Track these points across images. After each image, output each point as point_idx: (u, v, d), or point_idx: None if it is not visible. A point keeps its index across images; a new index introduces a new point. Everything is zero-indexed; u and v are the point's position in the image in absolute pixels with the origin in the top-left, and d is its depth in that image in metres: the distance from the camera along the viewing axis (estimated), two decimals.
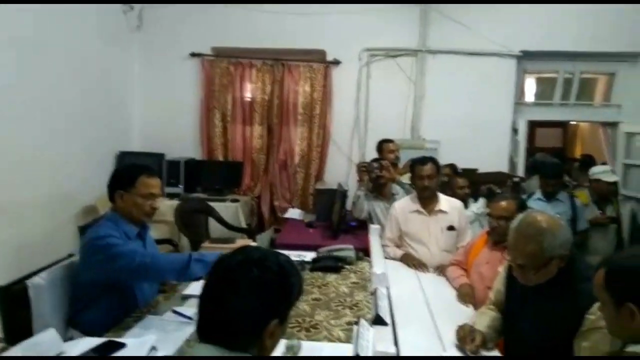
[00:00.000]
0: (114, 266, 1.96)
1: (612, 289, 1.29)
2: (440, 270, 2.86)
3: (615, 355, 1.37)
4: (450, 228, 3.06)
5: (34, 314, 1.93)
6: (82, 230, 3.25)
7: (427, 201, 3.12)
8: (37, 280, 1.98)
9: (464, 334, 1.85)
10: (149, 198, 2.15)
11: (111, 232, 2.04)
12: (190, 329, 1.88)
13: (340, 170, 5.24)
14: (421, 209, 3.11)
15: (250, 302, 1.03)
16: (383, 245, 3.14)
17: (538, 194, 3.82)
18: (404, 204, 3.21)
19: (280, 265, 1.09)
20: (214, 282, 1.08)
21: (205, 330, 1.06)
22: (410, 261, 2.98)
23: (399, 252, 3.10)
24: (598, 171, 3.99)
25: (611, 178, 3.90)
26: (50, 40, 3.81)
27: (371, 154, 4.50)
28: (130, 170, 2.20)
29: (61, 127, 4.00)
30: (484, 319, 2.00)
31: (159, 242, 3.07)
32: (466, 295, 2.45)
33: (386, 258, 2.96)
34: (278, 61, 5.19)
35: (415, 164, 3.16)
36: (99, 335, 1.79)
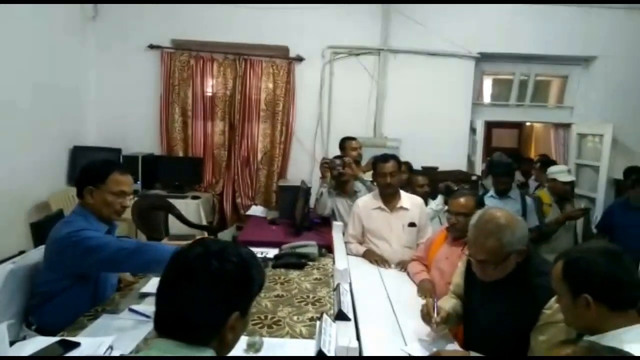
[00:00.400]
0: (95, 258, 1.90)
1: (570, 280, 1.34)
2: (402, 266, 2.90)
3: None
4: (412, 225, 3.11)
5: None
6: (34, 227, 3.11)
7: (389, 198, 3.16)
8: None
9: (428, 310, 1.91)
10: (119, 196, 2.09)
11: (85, 226, 1.97)
12: (147, 328, 1.82)
13: (303, 168, 5.24)
14: (383, 206, 3.14)
15: (209, 294, 1.00)
16: (345, 242, 3.16)
17: (491, 192, 3.93)
18: (367, 201, 3.24)
19: (241, 257, 1.07)
20: (172, 275, 1.04)
21: (164, 324, 1.02)
22: (372, 257, 3.00)
23: (361, 249, 3.13)
24: (554, 171, 4.07)
25: (567, 178, 3.98)
26: None
27: (334, 151, 4.51)
28: (101, 166, 2.12)
29: (11, 120, 3.80)
30: (446, 303, 2.06)
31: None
32: (426, 291, 2.48)
33: (348, 254, 2.98)
34: (240, 56, 5.12)
35: (377, 162, 3.19)
36: (55, 334, 1.72)
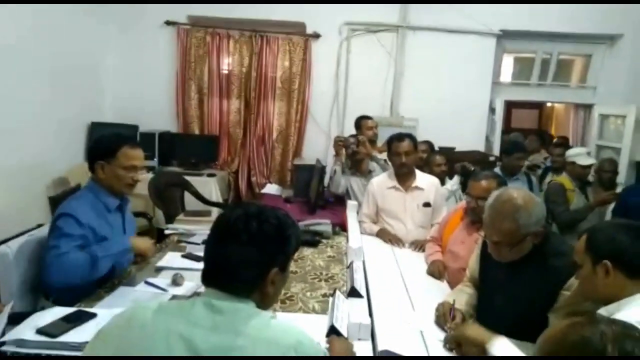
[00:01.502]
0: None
1: (592, 249, 1.37)
2: (416, 245, 2.88)
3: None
4: (426, 205, 3.09)
5: (0, 283, 1.88)
6: (53, 201, 3.17)
7: (404, 178, 3.13)
8: (3, 249, 1.93)
9: (444, 311, 1.84)
10: (130, 170, 2.08)
11: (77, 210, 1.95)
12: (163, 300, 1.85)
13: (318, 146, 5.21)
14: (398, 186, 3.12)
15: (250, 252, 1.09)
16: (359, 221, 3.15)
17: (499, 173, 3.79)
18: (381, 180, 3.22)
19: (278, 218, 1.15)
20: (216, 235, 1.14)
21: (211, 277, 1.12)
22: (386, 236, 2.99)
23: (375, 228, 3.12)
24: (573, 153, 3.92)
25: (586, 161, 3.83)
26: (17, 9, 3.62)
27: (350, 130, 4.47)
28: (112, 140, 2.11)
29: (31, 96, 3.84)
30: (462, 296, 1.99)
31: (133, 215, 2.99)
32: (434, 272, 2.46)
33: (362, 234, 2.98)
34: (256, 33, 5.08)
35: (392, 141, 3.15)
36: (72, 305, 1.76)
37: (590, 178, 4.03)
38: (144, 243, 2.11)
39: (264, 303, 1.14)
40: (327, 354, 1.47)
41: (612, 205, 3.96)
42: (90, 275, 1.90)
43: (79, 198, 2.06)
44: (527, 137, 5.97)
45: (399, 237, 2.98)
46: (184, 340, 1.01)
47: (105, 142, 2.12)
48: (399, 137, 3.12)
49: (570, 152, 3.99)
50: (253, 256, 1.09)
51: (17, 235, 2.07)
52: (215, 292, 1.09)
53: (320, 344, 1.49)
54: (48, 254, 1.88)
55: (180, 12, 5.07)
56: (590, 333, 0.84)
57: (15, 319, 1.58)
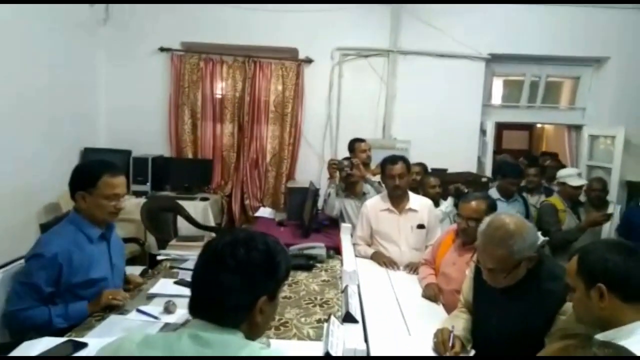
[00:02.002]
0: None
1: (585, 272, 1.33)
2: (411, 268, 2.87)
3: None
4: (420, 226, 3.09)
5: None
6: (44, 228, 3.13)
7: (397, 200, 3.13)
8: None
9: (443, 339, 1.82)
10: (112, 199, 2.04)
11: (49, 249, 1.91)
12: (155, 328, 1.83)
13: (312, 169, 5.23)
14: (392, 208, 3.12)
15: (238, 279, 1.07)
16: (354, 244, 3.15)
17: (496, 194, 3.78)
18: (375, 203, 3.22)
19: (267, 245, 1.13)
20: (203, 262, 1.12)
21: (197, 307, 1.10)
22: (380, 259, 2.98)
23: (369, 251, 3.11)
24: (564, 174, 3.96)
25: (577, 182, 3.87)
26: (12, 33, 3.66)
27: (343, 153, 4.50)
28: (91, 169, 2.06)
29: (24, 122, 3.85)
30: (459, 322, 1.96)
31: (125, 240, 2.97)
32: (430, 296, 2.44)
33: (357, 256, 2.97)
34: (249, 58, 5.13)
35: (385, 163, 3.16)
36: (62, 334, 1.73)
37: (582, 199, 4.05)
38: (105, 297, 1.99)
39: (253, 333, 1.11)
40: None
41: (606, 225, 3.98)
42: (45, 329, 1.85)
43: (58, 233, 2.02)
44: (517, 158, 6.02)
45: (393, 260, 2.97)
46: None
47: (85, 172, 2.07)
48: (392, 160, 3.13)
49: (561, 173, 4.03)
50: (241, 284, 1.06)
51: (5, 264, 2.03)
52: (202, 323, 1.06)
53: None
54: (9, 302, 1.90)
55: (174, 39, 5.12)
56: (583, 355, 0.83)
57: (4, 350, 1.55)
